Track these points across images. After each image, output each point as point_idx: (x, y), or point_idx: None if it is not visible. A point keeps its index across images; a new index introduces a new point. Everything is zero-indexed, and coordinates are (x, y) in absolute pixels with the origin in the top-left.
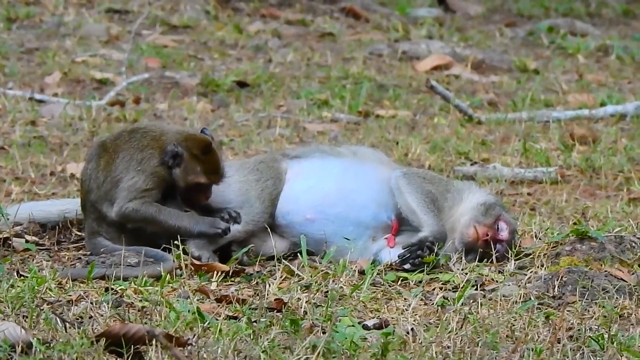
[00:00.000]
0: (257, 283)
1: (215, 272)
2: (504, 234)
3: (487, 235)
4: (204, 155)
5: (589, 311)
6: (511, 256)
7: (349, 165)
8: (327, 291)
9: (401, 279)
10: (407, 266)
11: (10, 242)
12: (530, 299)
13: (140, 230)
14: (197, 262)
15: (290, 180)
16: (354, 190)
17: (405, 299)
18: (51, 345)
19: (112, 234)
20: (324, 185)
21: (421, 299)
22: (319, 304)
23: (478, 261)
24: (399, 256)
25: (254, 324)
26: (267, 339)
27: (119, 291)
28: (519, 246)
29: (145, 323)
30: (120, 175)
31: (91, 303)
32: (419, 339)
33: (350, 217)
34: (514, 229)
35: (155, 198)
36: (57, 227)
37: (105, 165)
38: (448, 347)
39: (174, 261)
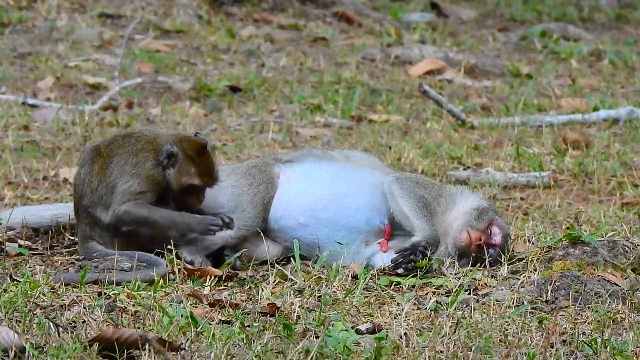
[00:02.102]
0: (250, 288)
1: (208, 277)
2: (496, 239)
3: (480, 240)
4: (199, 157)
5: (582, 316)
6: (504, 261)
7: (342, 169)
8: (320, 296)
9: (394, 283)
10: (400, 271)
11: (3, 246)
12: (523, 303)
13: (134, 234)
14: (190, 267)
15: (282, 184)
16: (347, 194)
17: (398, 303)
18: (44, 349)
19: (106, 239)
20: (316, 189)
21: (414, 304)
22: (312, 308)
23: (471, 266)
24: (392, 261)
25: (247, 328)
26: (260, 344)
27: (112, 296)
28: (512, 251)
29: (138, 327)
30: (115, 181)
31: (84, 307)
32: (412, 344)
33: (343, 222)
34: (506, 234)
35: (150, 201)
36: (50, 231)
37: (99, 170)
38: (441, 352)
39: (166, 265)
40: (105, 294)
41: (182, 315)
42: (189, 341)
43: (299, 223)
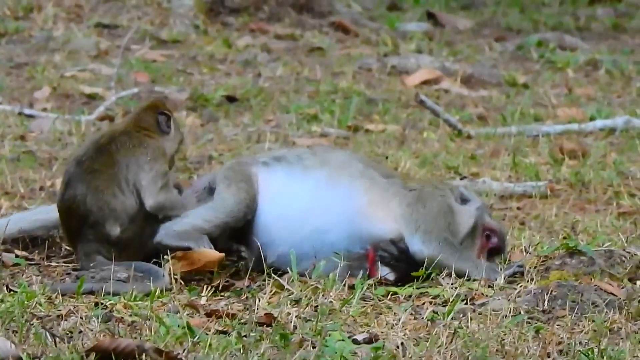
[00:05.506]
0: (246, 297)
1: (205, 287)
2: (494, 241)
3: (481, 250)
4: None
5: (578, 325)
6: (501, 270)
7: (318, 192)
8: (317, 306)
9: (391, 293)
10: (390, 276)
11: None
12: (520, 313)
13: (141, 245)
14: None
15: (260, 198)
16: (324, 229)
17: (395, 313)
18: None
19: (112, 253)
20: (292, 216)
21: (411, 314)
22: (308, 318)
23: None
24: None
25: (244, 338)
26: (257, 354)
27: (109, 306)
28: (509, 260)
29: (135, 338)
30: (138, 177)
31: (81, 318)
32: (409, 354)
33: (324, 252)
34: (502, 233)
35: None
36: (47, 241)
37: (106, 185)
38: None
39: (163, 276)
40: (102, 304)
41: (178, 325)
42: (185, 351)
43: (280, 253)
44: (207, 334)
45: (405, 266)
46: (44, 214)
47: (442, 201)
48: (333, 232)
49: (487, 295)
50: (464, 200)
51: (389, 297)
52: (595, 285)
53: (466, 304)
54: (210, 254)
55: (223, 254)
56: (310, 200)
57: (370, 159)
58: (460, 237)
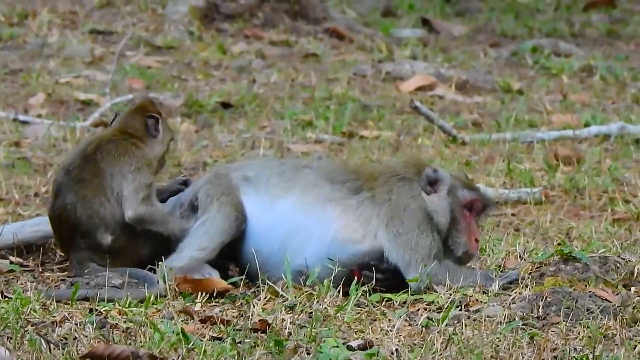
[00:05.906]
0: (241, 304)
1: (200, 293)
2: (477, 207)
3: (477, 237)
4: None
5: (573, 331)
6: (495, 276)
7: (290, 226)
8: (312, 312)
9: (385, 299)
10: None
11: None
12: (514, 319)
13: (134, 252)
14: (197, 278)
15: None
16: (304, 263)
17: (389, 319)
18: None
19: (105, 261)
20: (269, 251)
21: (405, 320)
22: (303, 324)
23: None
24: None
25: (239, 344)
26: None
27: (103, 312)
28: (504, 267)
29: (130, 344)
30: (121, 187)
31: (75, 324)
32: None
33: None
34: (479, 197)
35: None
36: (41, 247)
37: (94, 194)
38: None
39: (157, 282)
40: (96, 310)
41: (173, 332)
42: (180, 357)
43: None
44: (201, 340)
45: (392, 282)
46: (45, 224)
47: (415, 209)
48: (315, 263)
49: (481, 302)
50: (432, 183)
51: (383, 303)
52: (589, 292)
53: (461, 310)
54: (218, 283)
55: (231, 286)
56: (284, 235)
57: (337, 169)
58: (444, 232)
